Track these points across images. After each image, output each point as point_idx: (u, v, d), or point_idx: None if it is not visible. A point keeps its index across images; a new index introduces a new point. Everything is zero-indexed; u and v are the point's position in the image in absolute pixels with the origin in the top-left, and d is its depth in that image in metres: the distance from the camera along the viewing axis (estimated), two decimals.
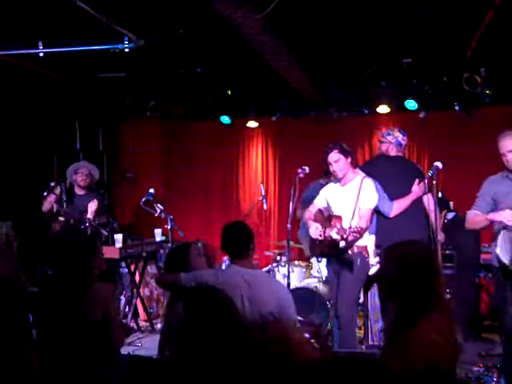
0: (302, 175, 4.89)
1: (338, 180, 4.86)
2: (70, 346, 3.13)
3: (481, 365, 4.50)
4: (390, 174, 5.11)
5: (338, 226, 4.40)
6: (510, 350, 4.06)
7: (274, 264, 6.27)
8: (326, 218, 4.78)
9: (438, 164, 4.56)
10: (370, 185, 4.75)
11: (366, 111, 7.53)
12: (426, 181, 4.49)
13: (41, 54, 5.04)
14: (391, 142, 5.36)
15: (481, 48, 5.67)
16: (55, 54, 5.15)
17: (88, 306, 3.14)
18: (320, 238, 4.69)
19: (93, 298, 3.16)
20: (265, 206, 6.57)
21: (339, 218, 4.67)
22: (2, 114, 6.63)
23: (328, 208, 4.89)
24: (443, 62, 6.40)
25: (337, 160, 4.70)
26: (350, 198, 4.71)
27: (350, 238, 4.38)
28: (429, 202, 4.88)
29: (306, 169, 4.90)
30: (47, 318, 3.30)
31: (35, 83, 6.68)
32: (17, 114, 6.89)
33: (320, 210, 4.93)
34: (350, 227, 4.40)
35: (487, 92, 6.51)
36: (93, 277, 3.31)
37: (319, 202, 4.97)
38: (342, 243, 4.40)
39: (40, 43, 4.95)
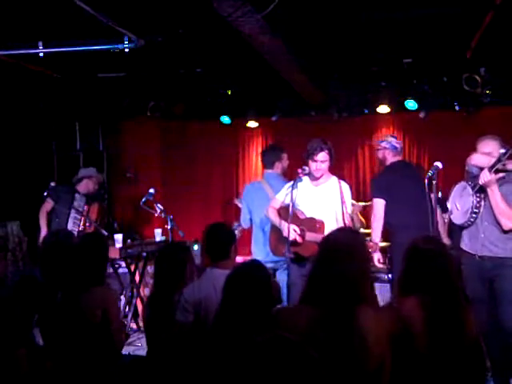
0: (302, 175, 4.87)
1: (305, 177, 4.82)
2: (70, 346, 3.14)
3: None
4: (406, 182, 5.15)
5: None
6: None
7: None
8: (305, 220, 4.70)
9: (438, 164, 4.55)
10: (348, 189, 4.83)
11: (366, 111, 7.53)
12: (427, 181, 4.49)
13: (41, 54, 5.03)
14: (386, 147, 5.41)
15: (481, 48, 5.67)
16: (55, 54, 5.15)
17: (87, 308, 3.15)
18: (299, 241, 4.62)
19: (93, 300, 3.17)
20: None
21: (321, 221, 4.63)
22: (2, 114, 6.63)
23: (295, 206, 4.77)
24: (443, 62, 6.40)
25: (324, 161, 4.73)
26: (331, 201, 4.71)
27: None
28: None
29: (307, 169, 4.87)
30: (48, 318, 3.31)
31: (35, 83, 6.68)
32: (17, 114, 6.89)
33: (285, 208, 4.82)
34: None
35: (487, 92, 6.50)
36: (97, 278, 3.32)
37: (283, 198, 4.90)
38: None
39: (40, 43, 4.94)
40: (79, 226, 6.14)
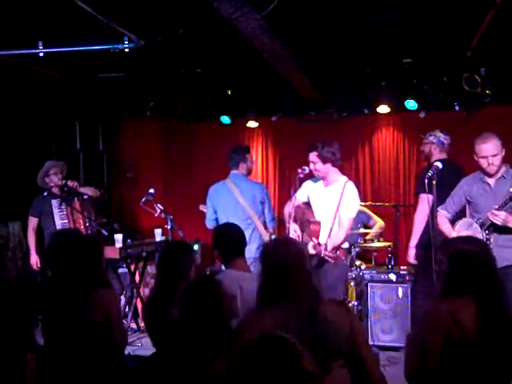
0: (302, 175, 4.88)
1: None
2: (73, 348, 3.14)
3: None
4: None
5: (315, 240, 4.31)
6: None
7: None
8: (304, 221, 4.70)
9: (438, 164, 4.55)
10: (352, 190, 4.66)
11: (366, 111, 7.53)
12: (426, 181, 4.49)
13: (41, 54, 5.03)
14: (433, 142, 5.34)
15: (481, 48, 5.67)
16: (55, 54, 5.14)
17: (89, 309, 3.14)
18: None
19: (94, 301, 3.16)
20: None
21: (318, 223, 4.59)
22: (2, 114, 6.63)
23: (309, 206, 4.82)
24: (443, 62, 6.39)
25: (313, 162, 4.72)
26: (332, 203, 4.62)
27: (326, 255, 4.23)
28: (429, 202, 4.84)
29: (306, 169, 4.88)
30: (49, 320, 3.31)
31: (35, 83, 6.68)
32: (17, 114, 6.89)
33: (299, 206, 4.85)
34: (326, 246, 4.27)
35: (487, 92, 6.50)
36: (97, 279, 3.30)
37: (301, 197, 4.91)
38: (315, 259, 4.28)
39: (40, 43, 4.94)
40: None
